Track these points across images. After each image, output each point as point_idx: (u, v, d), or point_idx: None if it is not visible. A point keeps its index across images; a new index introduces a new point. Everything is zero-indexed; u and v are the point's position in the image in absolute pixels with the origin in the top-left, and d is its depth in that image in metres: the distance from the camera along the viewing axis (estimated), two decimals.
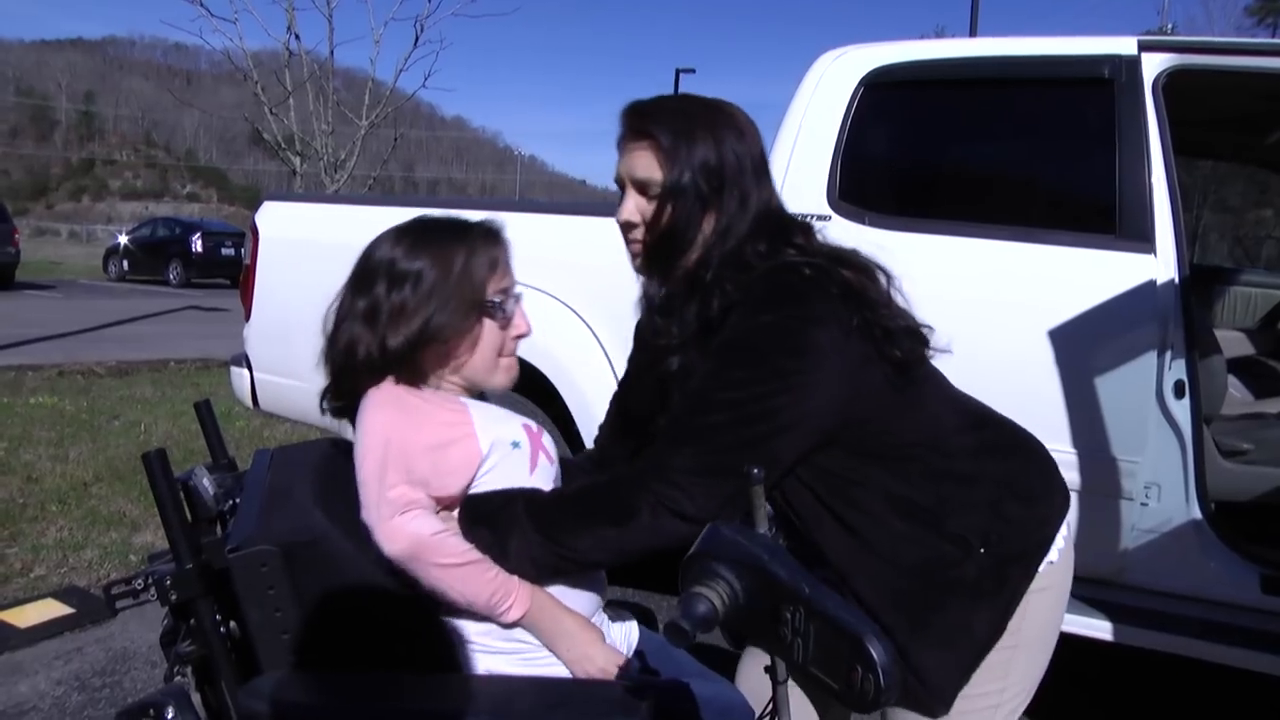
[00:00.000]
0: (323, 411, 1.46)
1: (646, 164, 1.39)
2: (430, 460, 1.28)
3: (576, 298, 3.08)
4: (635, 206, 1.42)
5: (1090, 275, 2.60)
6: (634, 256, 1.47)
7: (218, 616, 1.09)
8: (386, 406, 1.33)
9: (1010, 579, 1.35)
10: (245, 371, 3.90)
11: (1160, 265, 2.57)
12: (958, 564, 1.32)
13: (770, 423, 1.26)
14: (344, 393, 1.42)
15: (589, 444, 3.00)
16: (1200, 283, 4.29)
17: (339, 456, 1.41)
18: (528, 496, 1.33)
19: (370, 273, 1.41)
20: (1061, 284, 2.62)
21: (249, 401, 3.93)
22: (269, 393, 3.87)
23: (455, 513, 1.32)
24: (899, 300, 1.40)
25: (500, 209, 3.57)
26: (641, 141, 1.39)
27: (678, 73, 28.94)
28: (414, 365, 1.37)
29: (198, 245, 22.32)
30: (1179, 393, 2.56)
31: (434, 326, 1.35)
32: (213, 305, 16.28)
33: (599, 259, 3.08)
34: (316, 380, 3.80)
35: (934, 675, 1.32)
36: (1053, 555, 1.40)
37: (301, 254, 3.69)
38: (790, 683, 1.06)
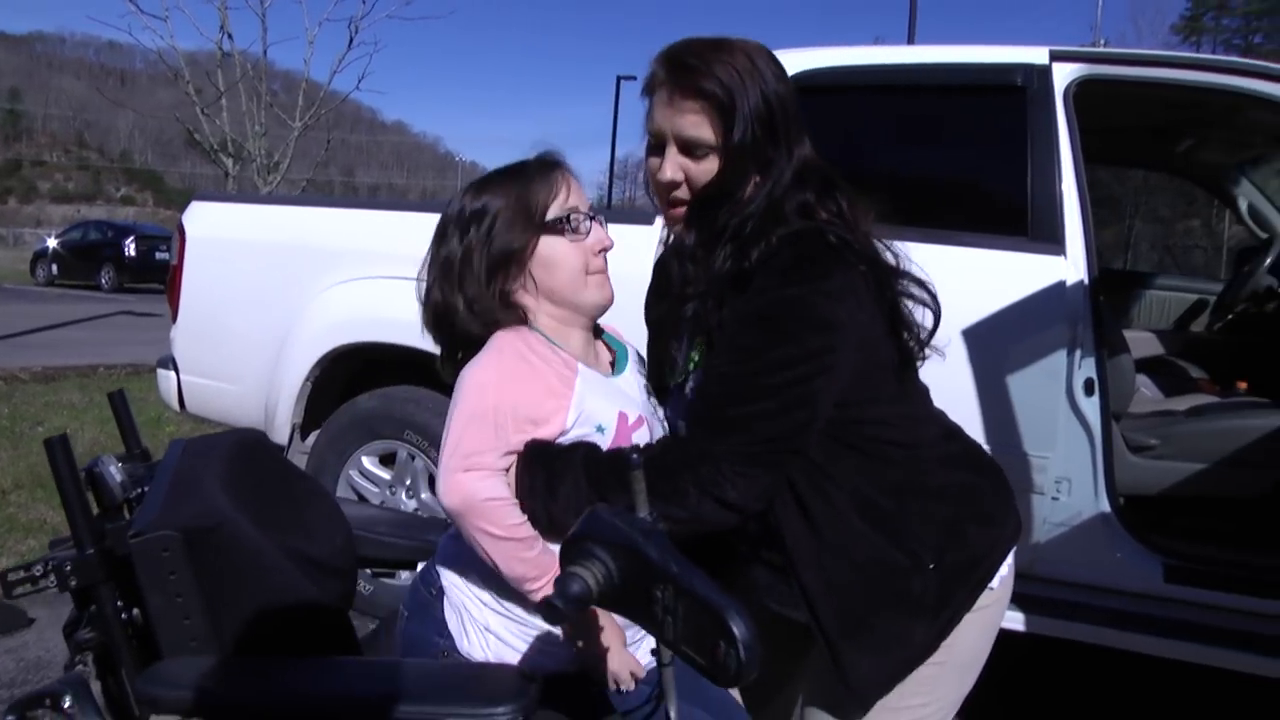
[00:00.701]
0: (443, 374, 1.50)
1: (696, 123, 1.33)
2: (518, 419, 1.33)
3: None
4: (680, 165, 1.37)
5: (1003, 276, 2.68)
6: (673, 217, 1.44)
7: (120, 603, 1.09)
8: (498, 357, 1.37)
9: (954, 599, 1.37)
10: (172, 374, 3.84)
11: (1070, 267, 2.66)
12: (905, 575, 1.34)
13: (810, 409, 1.28)
14: (453, 352, 1.47)
15: None
16: (1118, 287, 4.44)
17: (252, 447, 1.42)
18: (588, 449, 1.34)
19: (444, 228, 1.46)
20: (975, 285, 2.70)
21: (175, 405, 3.87)
22: (196, 395, 3.81)
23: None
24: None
25: (423, 210, 3.58)
26: (692, 100, 1.33)
27: (619, 80, 29.02)
28: (505, 300, 1.41)
29: (131, 249, 21.84)
30: (1088, 390, 2.65)
31: (500, 249, 1.40)
32: (146, 310, 15.90)
33: None
34: (244, 382, 3.78)
35: (858, 678, 1.35)
36: (994, 581, 1.43)
37: (229, 254, 3.66)
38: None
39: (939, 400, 2.73)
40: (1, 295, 18.68)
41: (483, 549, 1.32)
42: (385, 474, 3.38)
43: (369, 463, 3.39)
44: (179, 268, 3.73)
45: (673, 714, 0.96)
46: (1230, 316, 3.97)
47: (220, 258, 3.68)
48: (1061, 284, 2.64)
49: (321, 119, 8.51)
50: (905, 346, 1.40)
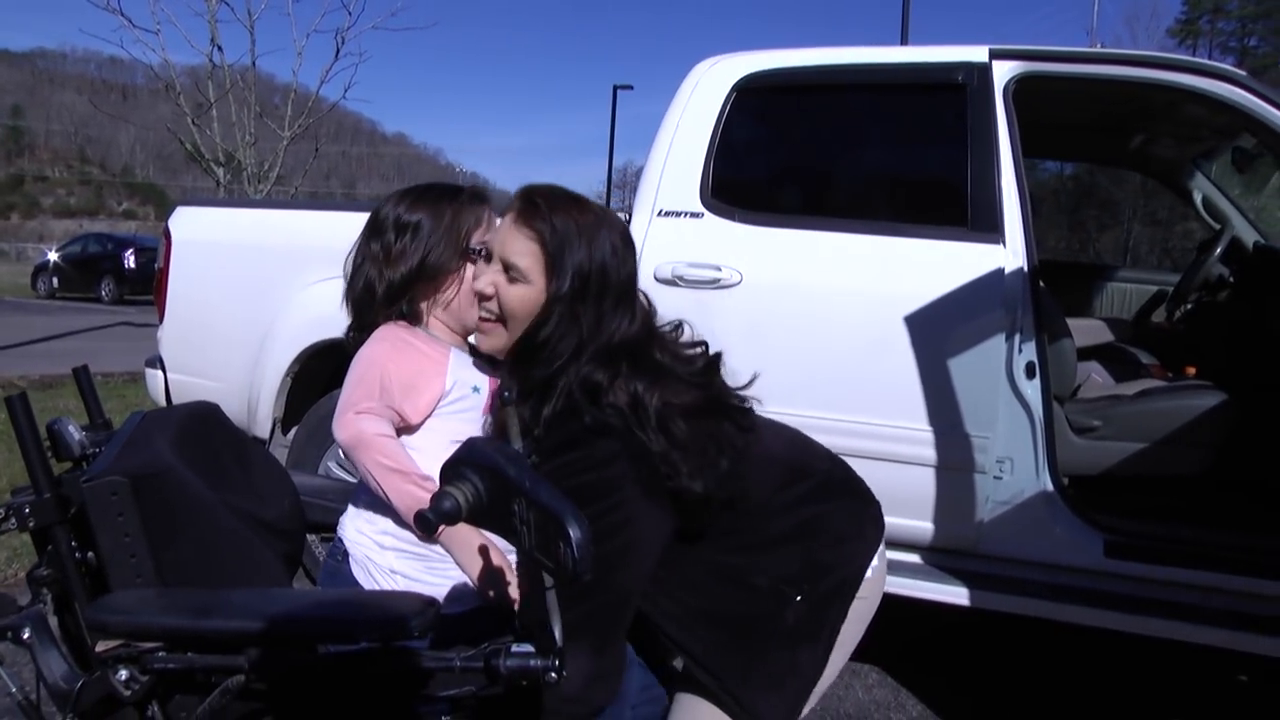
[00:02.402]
0: (348, 343, 1.76)
1: (520, 251, 1.44)
2: (401, 385, 1.59)
3: None
4: (493, 281, 1.47)
5: (944, 265, 2.80)
6: (481, 330, 1.53)
7: (74, 544, 1.21)
8: (384, 340, 1.65)
9: (829, 617, 1.47)
10: (159, 373, 3.97)
11: (1009, 255, 2.78)
12: (776, 615, 1.42)
13: (620, 580, 1.31)
14: (364, 326, 1.72)
15: None
16: (1082, 278, 4.57)
17: (205, 416, 1.54)
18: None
19: (381, 224, 1.73)
20: (917, 273, 2.82)
21: (163, 401, 4.00)
22: (182, 392, 3.93)
23: (412, 439, 1.61)
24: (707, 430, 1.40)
25: None
26: (526, 231, 1.44)
27: (615, 89, 29.21)
28: (412, 301, 1.70)
29: (131, 261, 21.99)
30: (1029, 373, 2.77)
31: (429, 264, 1.68)
32: (146, 321, 16.03)
33: None
34: (228, 378, 3.89)
35: (767, 716, 1.42)
36: (867, 573, 1.52)
37: (213, 256, 3.78)
38: None
39: (883, 383, 2.84)
40: (3, 308, 18.83)
41: (378, 483, 1.56)
42: None
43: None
44: (165, 270, 3.86)
45: (557, 634, 1.07)
46: (1187, 306, 4.08)
47: (204, 260, 3.80)
48: (1001, 272, 2.76)
49: (310, 128, 8.66)
50: (697, 500, 1.38)
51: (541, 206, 1.44)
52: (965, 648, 3.40)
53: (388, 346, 1.64)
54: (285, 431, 3.65)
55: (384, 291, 1.68)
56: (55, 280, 23.59)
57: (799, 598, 1.42)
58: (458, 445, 1.48)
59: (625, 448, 1.31)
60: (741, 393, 1.53)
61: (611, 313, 1.41)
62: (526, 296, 1.44)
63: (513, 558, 1.58)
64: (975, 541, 2.83)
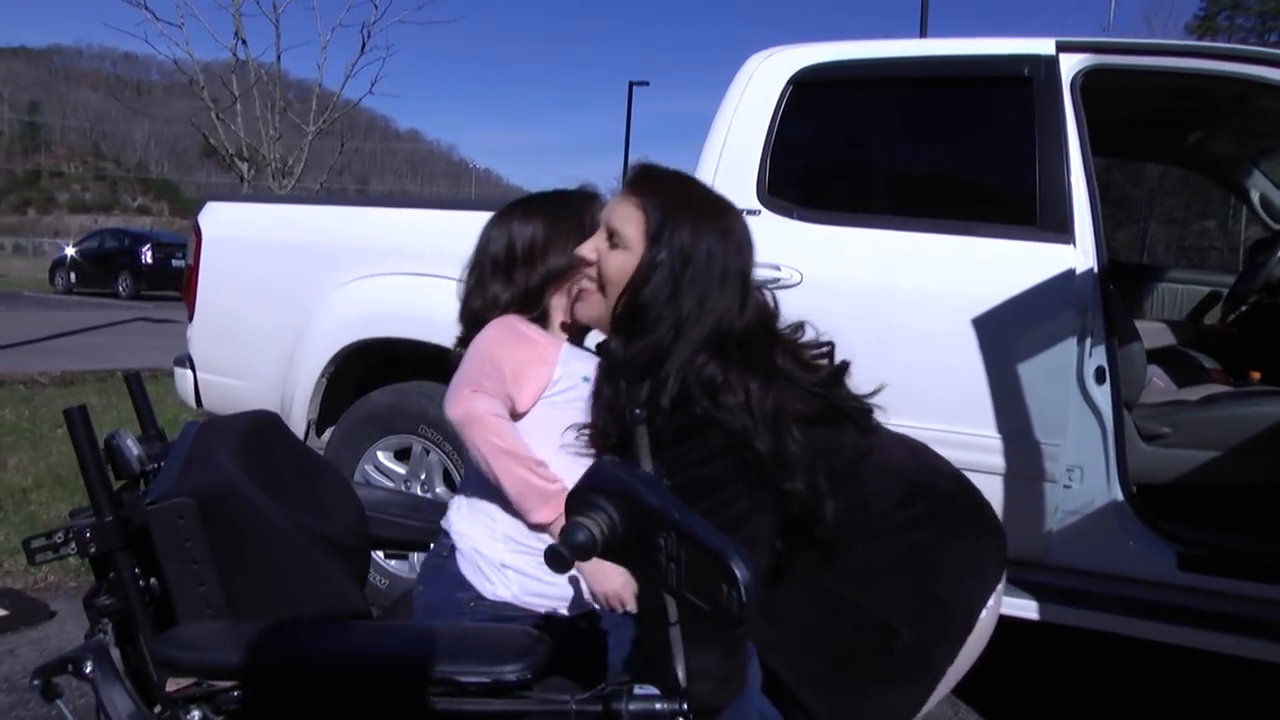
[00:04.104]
0: (455, 355, 1.76)
1: (624, 218, 1.44)
2: (512, 369, 1.58)
3: None
4: (594, 246, 1.49)
5: (1012, 265, 2.69)
6: (580, 299, 1.54)
7: (137, 571, 1.11)
8: (496, 327, 1.66)
9: (934, 660, 1.38)
10: (189, 372, 3.88)
11: (1079, 255, 2.66)
12: (878, 654, 1.35)
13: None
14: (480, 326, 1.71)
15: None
16: (1131, 279, 4.43)
17: (266, 427, 1.44)
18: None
19: (499, 237, 1.77)
20: (984, 274, 2.70)
21: (193, 402, 3.92)
22: (212, 392, 3.86)
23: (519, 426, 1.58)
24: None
25: (438, 207, 3.62)
26: (632, 200, 1.45)
27: (631, 86, 29.10)
28: (540, 300, 1.71)
29: (147, 257, 22.00)
30: (1099, 378, 2.65)
31: (556, 269, 1.69)
32: (163, 317, 16.02)
33: None
34: (260, 378, 3.82)
35: None
36: (982, 613, 1.42)
37: (245, 253, 3.70)
38: None
39: (949, 388, 2.74)
40: (21, 303, 18.88)
41: (488, 464, 1.52)
42: (400, 468, 3.41)
43: (384, 457, 3.42)
44: (195, 267, 3.77)
45: (680, 674, 0.97)
46: (1243, 308, 3.95)
47: (235, 257, 3.72)
48: (1071, 273, 2.64)
49: (335, 124, 8.56)
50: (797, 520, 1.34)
51: (652, 181, 1.46)
52: (1026, 661, 3.29)
53: (499, 332, 1.65)
54: (320, 434, 3.56)
55: (511, 299, 1.70)
56: (73, 275, 23.64)
57: (906, 637, 1.34)
58: (562, 440, 1.50)
59: (735, 443, 1.28)
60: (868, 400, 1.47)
61: (717, 295, 1.38)
62: (625, 263, 1.43)
63: None
64: (1043, 552, 2.72)
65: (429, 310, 3.21)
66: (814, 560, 1.36)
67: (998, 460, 2.67)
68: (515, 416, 1.60)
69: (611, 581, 1.52)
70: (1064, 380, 2.64)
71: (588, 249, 1.50)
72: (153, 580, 1.13)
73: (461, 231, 3.29)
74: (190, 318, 3.85)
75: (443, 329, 3.18)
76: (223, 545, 1.10)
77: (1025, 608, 2.64)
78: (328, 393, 3.47)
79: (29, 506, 4.45)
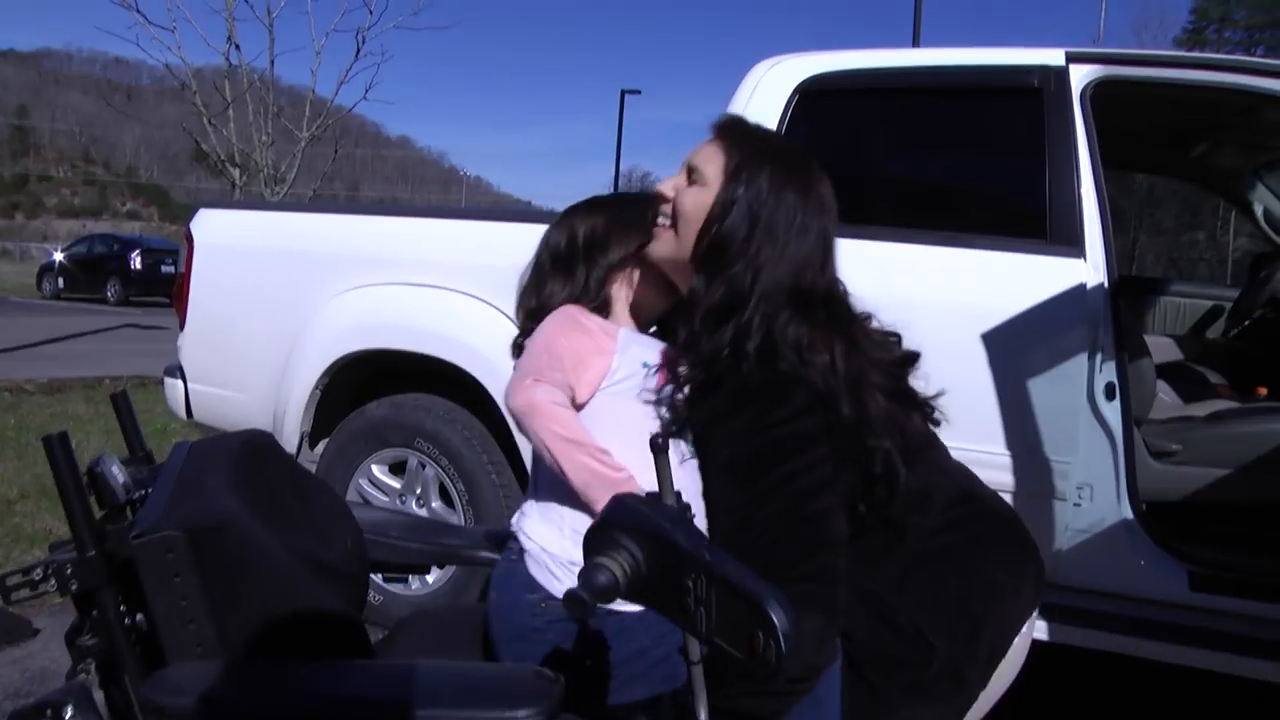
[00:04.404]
0: (515, 352, 1.75)
1: (707, 158, 1.45)
2: (572, 358, 1.56)
3: (511, 304, 3.03)
4: (674, 184, 1.49)
5: (1022, 279, 2.64)
6: (654, 237, 1.55)
7: (123, 608, 1.05)
8: (556, 316, 1.64)
9: (967, 683, 1.34)
10: (179, 382, 3.81)
11: (1090, 269, 2.61)
12: (915, 666, 1.31)
13: (822, 528, 1.25)
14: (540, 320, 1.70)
15: (521, 447, 2.98)
16: (1133, 292, 4.39)
17: (260, 448, 1.37)
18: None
19: (562, 237, 1.76)
20: (994, 288, 2.65)
21: (183, 413, 3.84)
22: (203, 404, 3.78)
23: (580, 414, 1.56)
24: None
25: (436, 215, 3.55)
26: (716, 143, 1.46)
27: (623, 94, 29.16)
28: (601, 290, 1.70)
29: (137, 262, 21.85)
30: (1109, 394, 2.60)
31: (622, 257, 1.68)
32: (152, 324, 15.90)
33: None
34: (252, 390, 3.75)
35: None
36: (1015, 639, 1.39)
37: (238, 261, 3.63)
38: None
39: (958, 403, 2.69)
40: (8, 308, 18.71)
41: (551, 454, 1.49)
42: (395, 482, 3.34)
43: (379, 471, 3.35)
44: (187, 275, 3.70)
45: (702, 716, 0.91)
46: (1247, 323, 3.92)
47: (228, 265, 3.65)
48: (1082, 287, 2.60)
49: (328, 131, 8.47)
50: (870, 505, 1.32)
51: (740, 127, 1.49)
52: (1036, 682, 3.23)
53: (559, 323, 1.64)
54: (313, 447, 3.49)
55: (568, 295, 1.70)
56: (61, 281, 23.46)
57: (942, 652, 1.30)
58: (624, 426, 1.51)
59: (819, 403, 1.26)
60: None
61: (795, 245, 1.37)
62: (701, 200, 1.43)
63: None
64: (1053, 571, 2.65)
65: (425, 321, 3.16)
66: (868, 550, 1.32)
67: (1007, 478, 2.61)
68: (576, 407, 1.58)
69: None
70: (1074, 396, 2.59)
71: (666, 186, 1.51)
72: (139, 616, 1.06)
73: (458, 240, 3.29)
74: (181, 327, 3.78)
75: (439, 340, 3.16)
76: (215, 580, 1.03)
77: (1036, 627, 2.58)
78: (321, 405, 3.40)
79: (14, 518, 4.36)
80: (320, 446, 3.49)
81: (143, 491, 1.20)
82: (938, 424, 1.50)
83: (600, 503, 1.42)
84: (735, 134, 1.48)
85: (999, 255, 2.69)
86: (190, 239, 3.71)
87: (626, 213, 1.72)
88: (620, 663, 1.45)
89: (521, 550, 1.56)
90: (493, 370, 3.00)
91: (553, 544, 1.54)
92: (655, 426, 1.52)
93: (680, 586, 0.81)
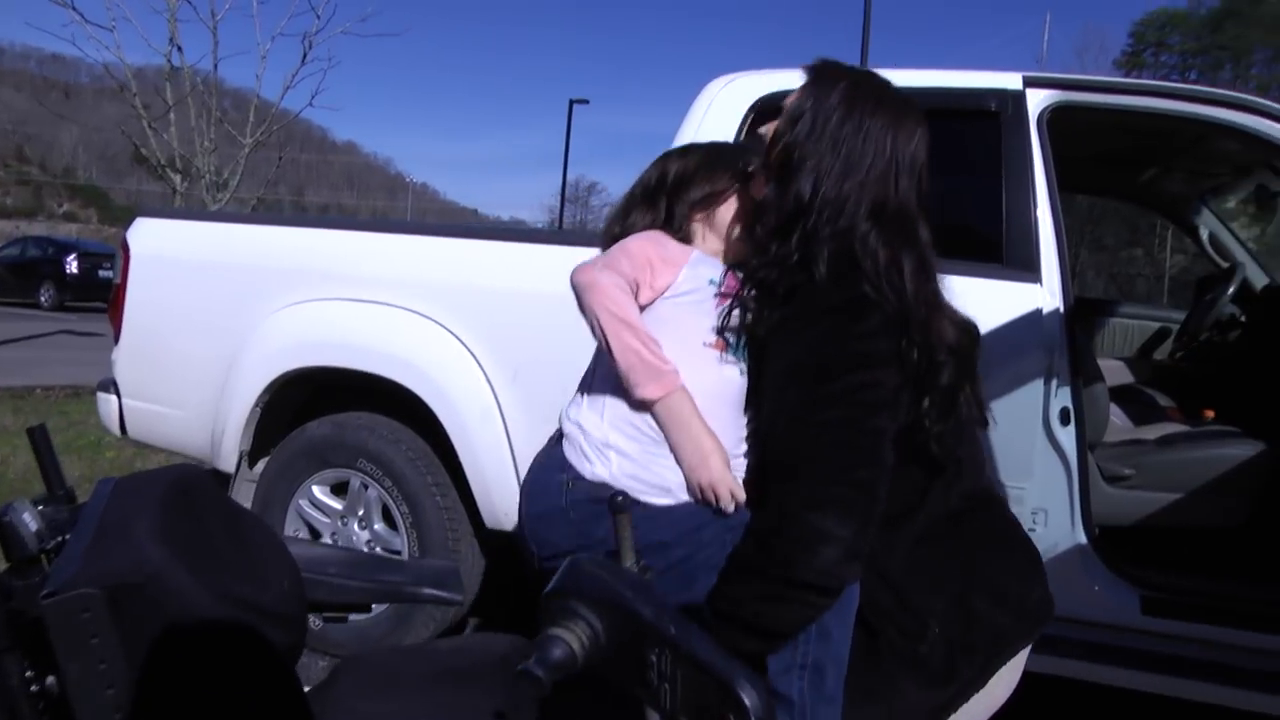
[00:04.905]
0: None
1: (795, 93, 1.54)
2: (643, 259, 1.63)
3: (459, 323, 3.00)
4: (772, 125, 1.57)
5: (978, 304, 2.61)
6: (753, 176, 1.64)
7: (29, 673, 0.95)
8: (640, 234, 1.74)
9: (958, 674, 1.34)
10: (113, 397, 3.67)
11: (1046, 294, 2.61)
12: (913, 638, 1.34)
13: (875, 442, 1.30)
14: None
15: (466, 468, 2.92)
16: (1081, 314, 4.43)
17: (191, 485, 1.28)
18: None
19: (655, 173, 1.83)
20: None
21: (116, 429, 3.70)
22: (138, 420, 3.65)
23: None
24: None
25: (379, 230, 3.47)
26: (806, 80, 1.53)
27: (571, 103, 29.19)
28: (684, 223, 1.78)
29: (73, 266, 21.23)
30: (1064, 420, 2.60)
31: (708, 194, 1.76)
32: (88, 330, 15.42)
33: (484, 283, 3.01)
34: (190, 407, 3.61)
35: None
36: (1008, 658, 1.39)
37: (176, 273, 3.51)
38: None
39: None
40: None
41: (602, 331, 1.56)
42: (337, 504, 3.24)
43: (320, 492, 3.25)
44: (122, 286, 3.57)
45: None
46: (1194, 345, 3.97)
47: (166, 277, 3.53)
48: (1038, 312, 2.59)
49: (273, 136, 8.28)
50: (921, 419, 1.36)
51: (828, 63, 1.54)
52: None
53: (639, 234, 1.73)
54: (252, 466, 3.37)
55: (650, 224, 1.78)
56: None
57: (938, 633, 1.33)
58: (682, 333, 1.57)
59: (894, 325, 1.31)
60: None
61: (860, 155, 1.40)
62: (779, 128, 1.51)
63: (738, 463, 1.54)
64: None
65: (368, 338, 3.08)
66: (890, 511, 1.32)
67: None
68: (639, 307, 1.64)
69: (709, 469, 1.50)
70: (1029, 422, 2.59)
71: (768, 126, 1.57)
72: (50, 680, 0.97)
73: (403, 256, 3.20)
74: (116, 339, 3.64)
75: (383, 358, 3.07)
76: (137, 640, 0.94)
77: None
78: (261, 423, 3.30)
79: None
80: (260, 466, 3.38)
81: (60, 538, 1.10)
82: (985, 424, 1.54)
83: (640, 387, 1.52)
84: (820, 66, 1.53)
85: (954, 279, 2.66)
86: (127, 249, 3.58)
87: (717, 157, 1.81)
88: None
89: (561, 435, 1.64)
90: (437, 389, 2.93)
91: (591, 426, 1.60)
92: (712, 338, 1.57)
93: (643, 660, 0.75)
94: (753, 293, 1.49)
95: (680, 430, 1.52)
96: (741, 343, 1.56)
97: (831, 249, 1.35)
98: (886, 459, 1.29)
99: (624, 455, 1.56)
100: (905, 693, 1.33)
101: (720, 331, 1.56)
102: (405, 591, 1.58)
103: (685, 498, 1.54)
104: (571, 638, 0.76)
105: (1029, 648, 1.46)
